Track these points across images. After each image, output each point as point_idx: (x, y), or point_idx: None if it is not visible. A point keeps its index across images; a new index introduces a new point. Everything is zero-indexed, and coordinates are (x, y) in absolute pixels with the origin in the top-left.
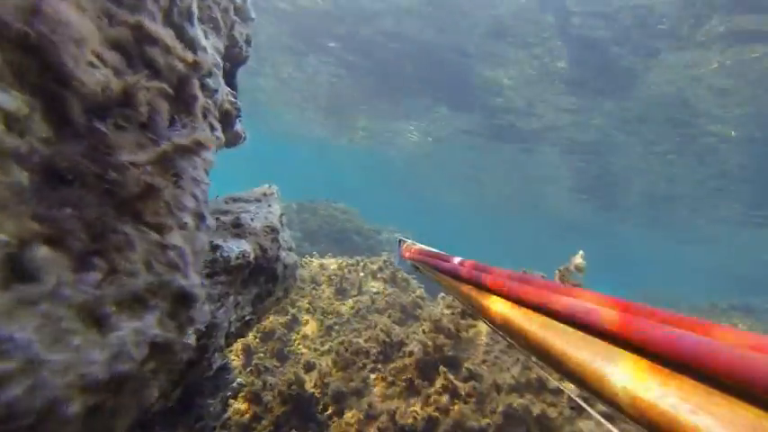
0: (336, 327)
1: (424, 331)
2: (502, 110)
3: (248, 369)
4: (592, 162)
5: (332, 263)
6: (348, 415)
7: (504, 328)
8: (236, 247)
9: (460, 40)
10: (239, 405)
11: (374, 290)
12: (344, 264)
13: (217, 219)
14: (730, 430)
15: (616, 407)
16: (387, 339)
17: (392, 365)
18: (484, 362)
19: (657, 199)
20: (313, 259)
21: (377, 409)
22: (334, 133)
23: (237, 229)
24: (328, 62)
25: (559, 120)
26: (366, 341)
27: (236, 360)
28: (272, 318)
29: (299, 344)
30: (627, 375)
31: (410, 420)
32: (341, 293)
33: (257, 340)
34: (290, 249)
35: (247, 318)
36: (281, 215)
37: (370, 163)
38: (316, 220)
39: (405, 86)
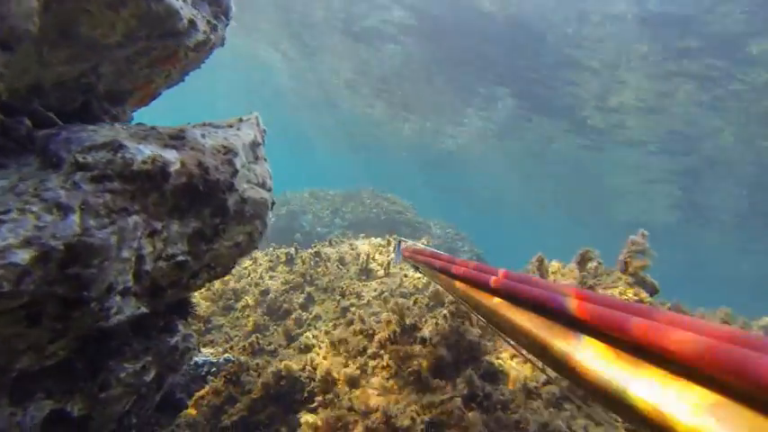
0: (353, 308)
1: (445, 316)
2: (580, 103)
3: (243, 345)
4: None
5: (363, 243)
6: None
7: (493, 320)
8: (150, 151)
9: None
10: (216, 383)
11: (404, 272)
12: (376, 244)
13: (153, 127)
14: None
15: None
16: (398, 321)
17: (398, 349)
18: (513, 356)
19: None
20: (344, 239)
21: (369, 406)
22: (389, 118)
23: (176, 140)
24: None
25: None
26: (371, 323)
27: (238, 338)
28: (287, 296)
29: (308, 324)
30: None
31: (407, 422)
32: (366, 274)
33: (266, 318)
34: (261, 186)
35: (180, 258)
36: (255, 142)
37: (426, 153)
38: (362, 209)
39: (472, 70)
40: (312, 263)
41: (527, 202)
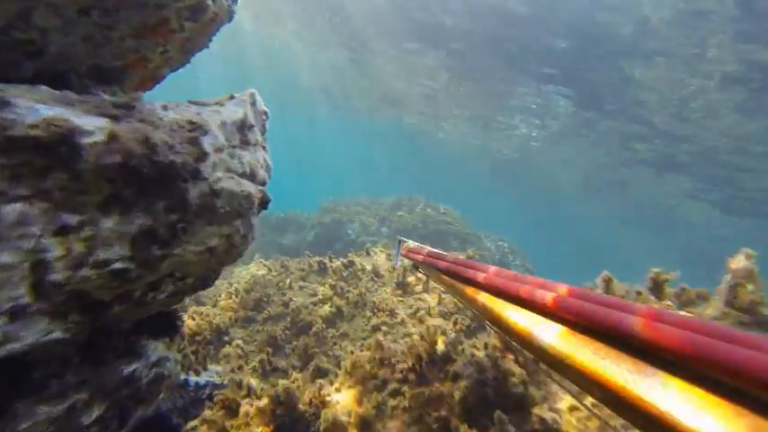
0: (384, 327)
1: (486, 346)
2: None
3: (252, 366)
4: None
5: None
6: None
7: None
8: (51, 112)
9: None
10: (211, 411)
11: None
12: None
13: (105, 98)
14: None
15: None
16: (427, 350)
17: (422, 392)
18: (573, 409)
19: None
20: (383, 248)
21: None
22: (431, 122)
23: (120, 109)
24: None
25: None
26: (396, 349)
27: (254, 353)
28: (313, 309)
29: (334, 344)
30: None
31: None
32: (402, 288)
33: (287, 331)
34: (248, 177)
35: (117, 265)
36: (245, 123)
37: (486, 161)
38: (411, 218)
39: (528, 68)
40: (344, 273)
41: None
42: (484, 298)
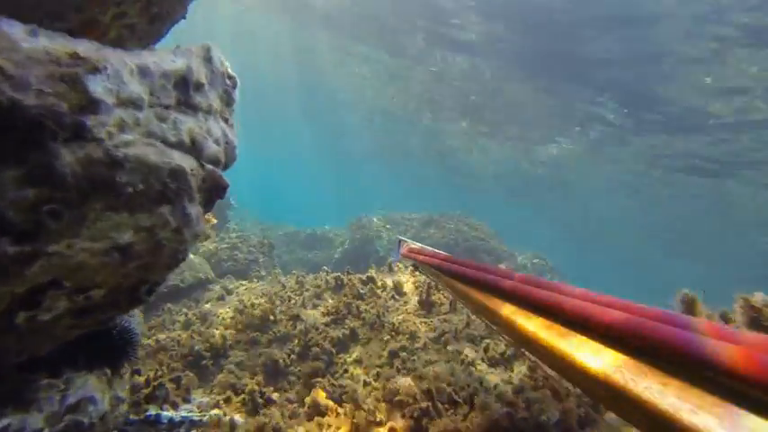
0: (403, 354)
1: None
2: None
3: (239, 400)
4: None
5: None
6: None
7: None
8: None
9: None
10: None
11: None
12: None
13: None
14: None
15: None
16: (443, 389)
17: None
18: None
19: None
20: (404, 264)
21: None
22: (468, 142)
23: None
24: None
25: None
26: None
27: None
28: (322, 329)
29: (345, 371)
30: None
31: None
32: (427, 308)
33: (292, 355)
34: (186, 149)
35: None
36: (186, 79)
37: (517, 177)
38: (442, 235)
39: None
40: (362, 290)
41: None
42: (509, 311)
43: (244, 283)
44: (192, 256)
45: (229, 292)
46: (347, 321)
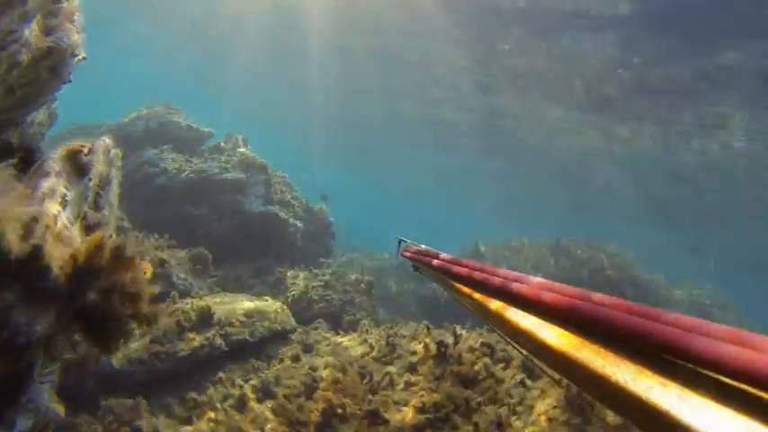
0: None
1: None
2: None
3: None
4: None
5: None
6: None
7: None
8: None
9: None
10: None
11: None
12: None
13: None
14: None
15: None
16: None
17: None
18: None
19: None
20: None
21: None
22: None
23: None
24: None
25: None
26: None
27: None
28: None
29: None
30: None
31: None
32: (575, 408)
33: None
34: None
35: None
36: None
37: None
38: (570, 264)
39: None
40: (473, 369)
41: None
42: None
43: (328, 336)
44: (269, 301)
45: (308, 350)
46: (453, 420)
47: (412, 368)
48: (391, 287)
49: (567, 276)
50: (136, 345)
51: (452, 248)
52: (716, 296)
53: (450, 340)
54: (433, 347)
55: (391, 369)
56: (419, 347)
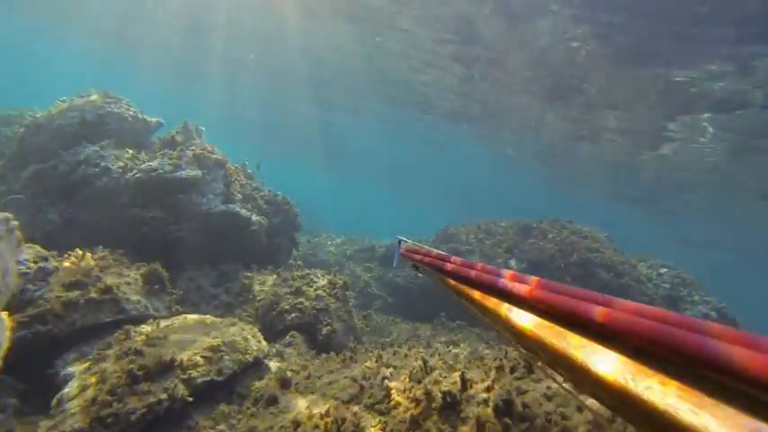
0: None
1: None
2: None
3: None
4: None
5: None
6: None
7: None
8: None
9: None
10: None
11: None
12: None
13: None
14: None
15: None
16: None
17: None
18: None
19: None
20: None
21: None
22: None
23: None
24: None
25: None
26: None
27: None
28: None
29: None
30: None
31: None
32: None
33: None
34: None
35: None
36: None
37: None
38: (545, 246)
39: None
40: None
41: None
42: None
43: (306, 363)
44: (235, 327)
45: (285, 385)
46: None
47: (414, 423)
48: (361, 276)
49: (539, 259)
50: (74, 405)
51: (426, 235)
52: (678, 274)
53: (455, 388)
54: (437, 396)
55: (385, 417)
56: (418, 393)
